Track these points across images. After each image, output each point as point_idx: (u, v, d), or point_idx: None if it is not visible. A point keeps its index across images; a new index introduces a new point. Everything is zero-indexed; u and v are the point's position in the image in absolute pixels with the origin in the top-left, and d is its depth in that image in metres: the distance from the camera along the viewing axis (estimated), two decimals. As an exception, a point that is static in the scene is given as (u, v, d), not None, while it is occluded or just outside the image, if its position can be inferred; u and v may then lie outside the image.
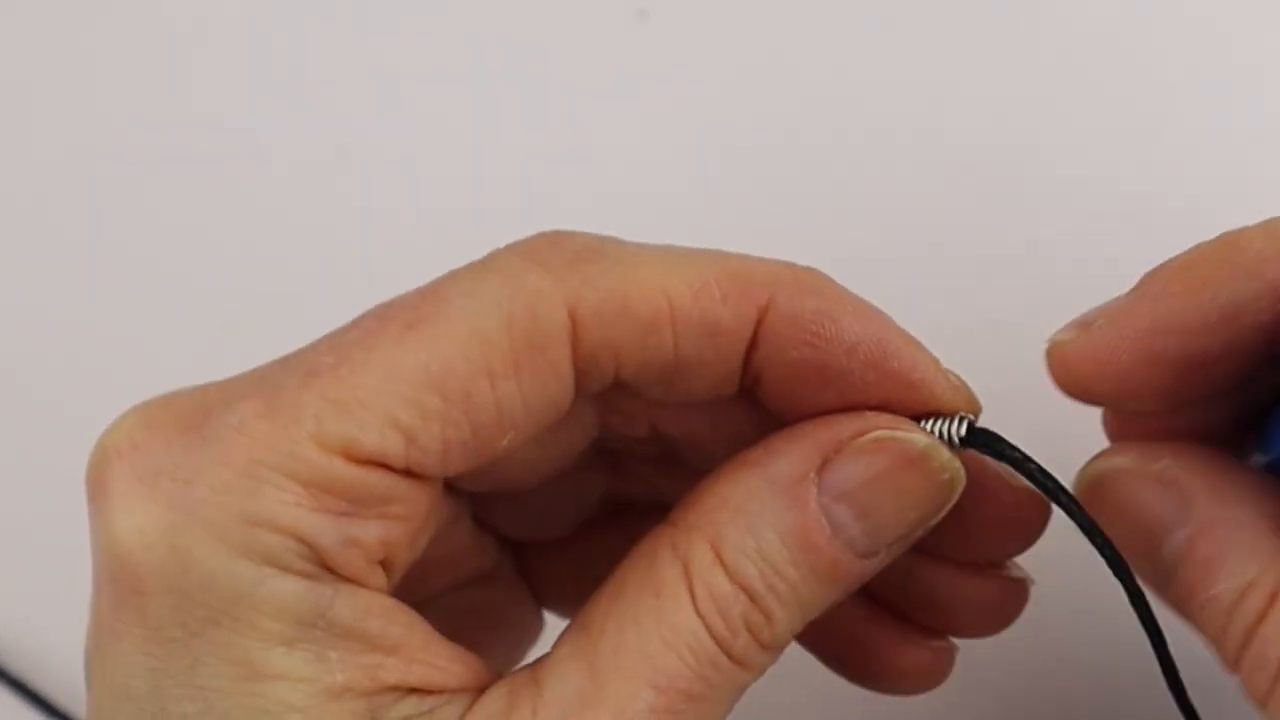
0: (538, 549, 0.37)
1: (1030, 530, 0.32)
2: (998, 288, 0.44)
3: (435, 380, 0.28)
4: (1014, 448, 0.30)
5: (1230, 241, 0.29)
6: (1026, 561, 0.33)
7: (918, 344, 0.30)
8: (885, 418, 0.29)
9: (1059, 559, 0.33)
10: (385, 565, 0.29)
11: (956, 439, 0.29)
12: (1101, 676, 0.42)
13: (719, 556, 0.28)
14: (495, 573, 0.36)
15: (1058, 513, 0.30)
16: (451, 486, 0.33)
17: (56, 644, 0.48)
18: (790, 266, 0.30)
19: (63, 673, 0.48)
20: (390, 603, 0.29)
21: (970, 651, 0.35)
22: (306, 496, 0.28)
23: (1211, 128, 0.44)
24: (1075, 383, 0.30)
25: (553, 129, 0.48)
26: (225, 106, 0.50)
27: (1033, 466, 0.30)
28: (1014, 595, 0.33)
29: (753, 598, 0.28)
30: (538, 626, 0.38)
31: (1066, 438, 0.44)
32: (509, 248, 0.30)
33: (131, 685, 0.28)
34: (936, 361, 0.30)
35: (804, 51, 0.47)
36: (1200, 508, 0.28)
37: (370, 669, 0.28)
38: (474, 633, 0.31)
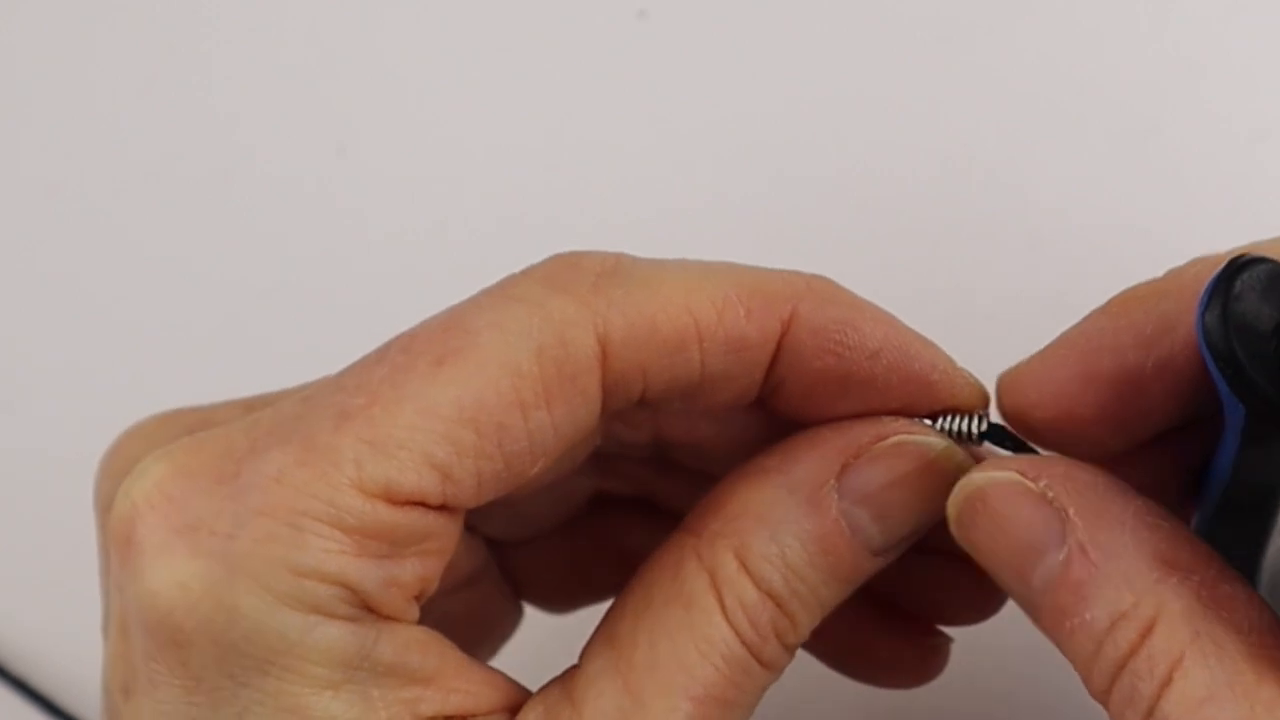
0: (522, 545, 0.37)
1: None
2: (997, 288, 0.44)
3: (469, 416, 0.28)
4: (1024, 442, 0.30)
5: (1171, 271, 0.30)
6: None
7: (932, 344, 0.30)
8: (901, 422, 0.30)
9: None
10: (418, 598, 0.30)
11: (974, 434, 0.30)
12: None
13: (744, 565, 0.29)
14: (482, 574, 0.37)
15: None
16: None
17: (58, 644, 0.48)
18: (805, 277, 0.30)
19: (64, 672, 0.48)
20: (424, 634, 0.29)
21: (969, 656, 0.35)
22: (351, 544, 0.28)
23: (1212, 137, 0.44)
24: (1017, 407, 0.30)
25: (553, 129, 0.48)
26: (225, 104, 0.50)
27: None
28: None
29: (779, 604, 0.29)
30: (517, 618, 0.38)
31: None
32: (528, 273, 0.30)
33: None
34: (951, 360, 0.30)
35: (804, 51, 0.47)
36: (1079, 530, 0.27)
37: (411, 703, 0.29)
38: (463, 633, 0.31)
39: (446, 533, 0.29)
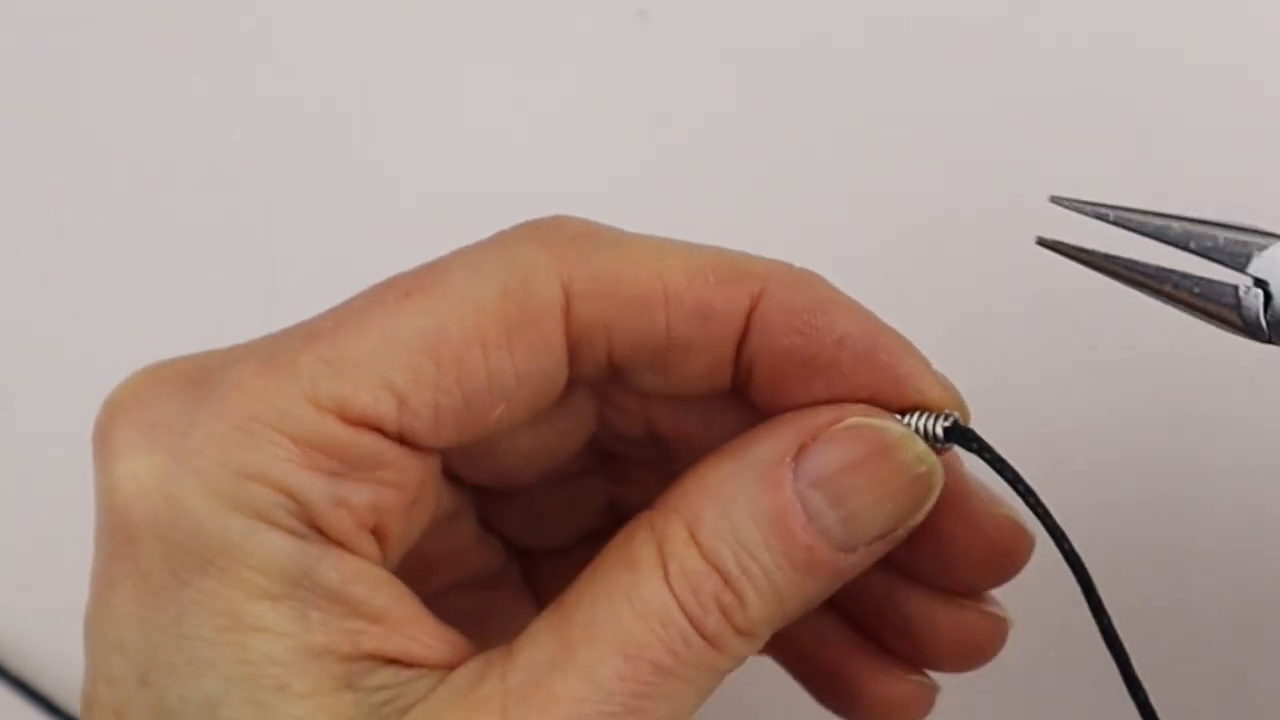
0: (544, 557, 0.37)
1: (1010, 560, 0.32)
2: (996, 287, 0.44)
3: (429, 345, 0.29)
4: (992, 449, 0.30)
5: None
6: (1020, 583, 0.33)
7: (908, 343, 0.30)
8: (863, 408, 0.29)
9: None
10: (379, 536, 0.30)
11: (938, 434, 0.29)
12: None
13: (693, 536, 0.29)
14: (502, 578, 0.37)
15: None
16: (453, 477, 0.34)
17: (58, 643, 0.48)
18: (786, 264, 0.30)
19: (64, 672, 0.48)
20: (379, 573, 0.30)
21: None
22: (298, 453, 0.28)
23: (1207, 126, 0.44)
24: None
25: (553, 128, 0.48)
26: (225, 104, 0.50)
27: (1008, 469, 0.30)
28: (992, 633, 0.33)
29: (725, 578, 0.28)
30: None
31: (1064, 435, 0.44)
32: (515, 227, 0.31)
33: (124, 637, 0.29)
34: (926, 361, 0.30)
35: (803, 51, 0.47)
36: None
37: (351, 634, 0.29)
38: (479, 636, 0.31)
39: (407, 467, 0.30)
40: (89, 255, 0.51)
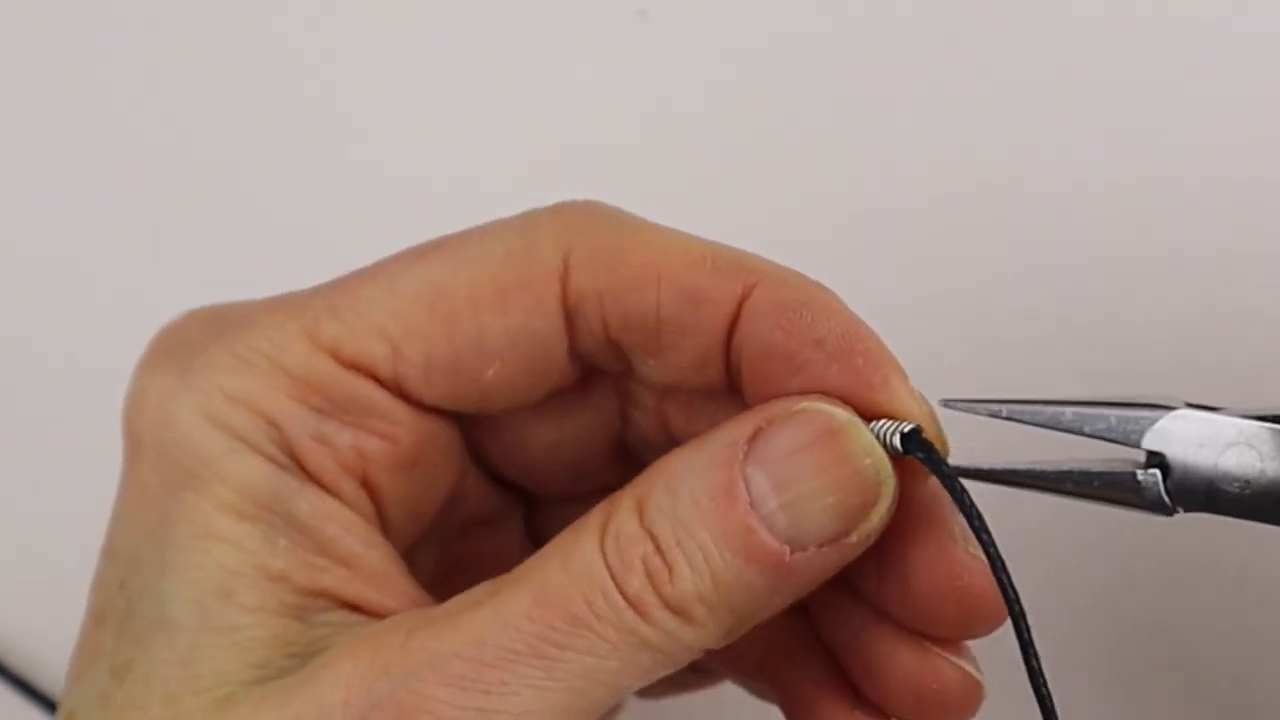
0: None
1: (977, 607, 0.30)
2: (996, 285, 0.44)
3: (427, 299, 0.30)
4: (944, 465, 0.29)
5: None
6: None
7: (888, 353, 0.30)
8: (821, 397, 0.29)
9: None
10: (369, 488, 0.31)
11: (896, 444, 0.29)
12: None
13: (639, 508, 0.29)
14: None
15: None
16: (498, 480, 0.34)
17: (59, 643, 0.48)
18: (785, 267, 0.30)
19: (65, 670, 0.48)
20: (354, 519, 0.31)
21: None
22: (287, 385, 0.30)
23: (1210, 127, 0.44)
24: None
25: (553, 128, 0.48)
26: (225, 103, 0.50)
27: (956, 487, 0.29)
28: (959, 689, 0.32)
29: (658, 546, 0.28)
30: None
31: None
32: (545, 206, 0.32)
33: (116, 544, 0.31)
34: (902, 373, 0.30)
35: (803, 51, 0.47)
36: None
37: (313, 569, 0.30)
38: None
39: (399, 420, 0.31)
40: (87, 256, 0.51)
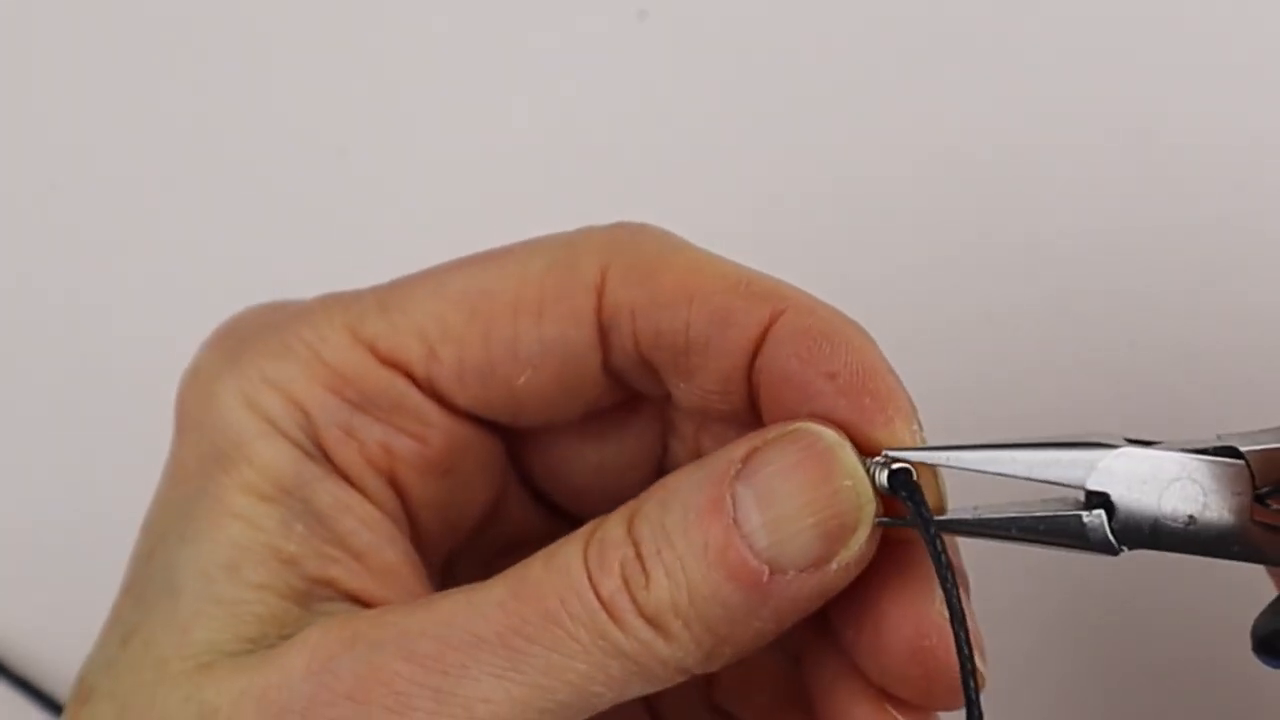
0: None
1: (937, 671, 0.29)
2: (994, 286, 0.44)
3: (467, 302, 0.31)
4: (924, 510, 0.28)
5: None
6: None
7: (901, 396, 0.29)
8: (817, 420, 0.29)
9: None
10: (397, 487, 0.31)
11: (883, 482, 0.29)
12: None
13: (630, 518, 0.29)
14: None
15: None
16: (542, 499, 0.34)
17: (61, 643, 0.48)
18: (820, 300, 0.30)
19: (66, 670, 0.48)
20: (377, 516, 0.31)
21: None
22: (324, 374, 0.31)
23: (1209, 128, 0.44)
24: None
25: (552, 129, 0.48)
26: (225, 105, 0.50)
27: (932, 533, 0.28)
28: None
29: (639, 554, 0.28)
30: None
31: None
32: (599, 225, 0.32)
33: (150, 517, 0.31)
34: (910, 416, 0.29)
35: (803, 51, 0.47)
36: None
37: (323, 557, 0.30)
38: None
39: (431, 421, 0.31)
40: (86, 257, 0.51)
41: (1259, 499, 0.29)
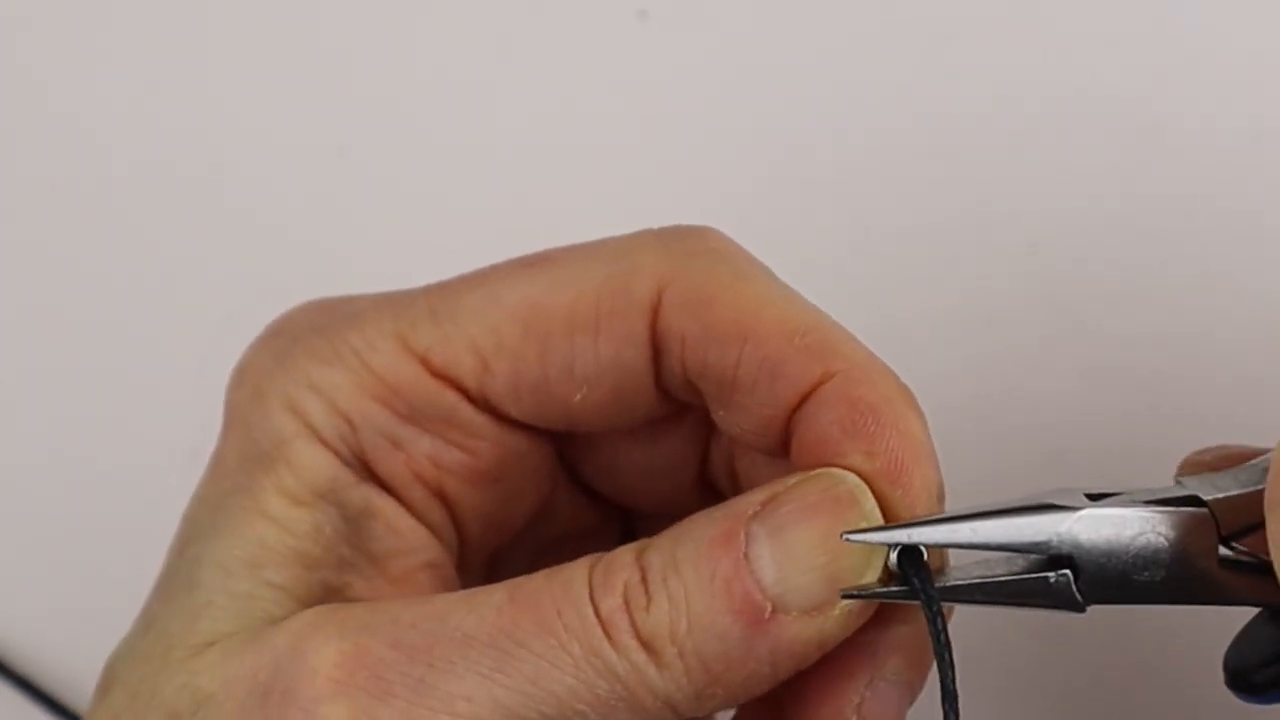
0: None
1: None
2: (994, 286, 0.44)
3: (521, 314, 0.30)
4: (930, 596, 0.28)
5: None
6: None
7: (932, 492, 0.29)
8: (838, 469, 0.29)
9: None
10: (446, 500, 0.31)
11: (892, 562, 0.28)
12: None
13: (642, 549, 0.28)
14: None
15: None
16: (597, 497, 0.34)
17: (61, 643, 0.48)
18: (878, 367, 0.29)
19: (69, 672, 0.48)
20: (411, 526, 0.31)
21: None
22: (372, 384, 0.30)
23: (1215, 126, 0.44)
24: None
25: (552, 129, 0.48)
26: (225, 105, 0.50)
27: (935, 610, 0.28)
28: None
29: (645, 578, 0.28)
30: None
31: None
32: (659, 228, 0.31)
33: (190, 512, 0.31)
34: (937, 501, 0.29)
35: (804, 51, 0.47)
36: None
37: (344, 565, 0.30)
38: None
39: (482, 434, 0.31)
40: (86, 258, 0.51)
41: (1224, 543, 0.28)
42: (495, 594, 0.28)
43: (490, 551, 0.33)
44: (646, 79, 0.48)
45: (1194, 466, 0.30)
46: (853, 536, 0.28)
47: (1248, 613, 0.30)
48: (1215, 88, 0.44)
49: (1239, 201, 0.43)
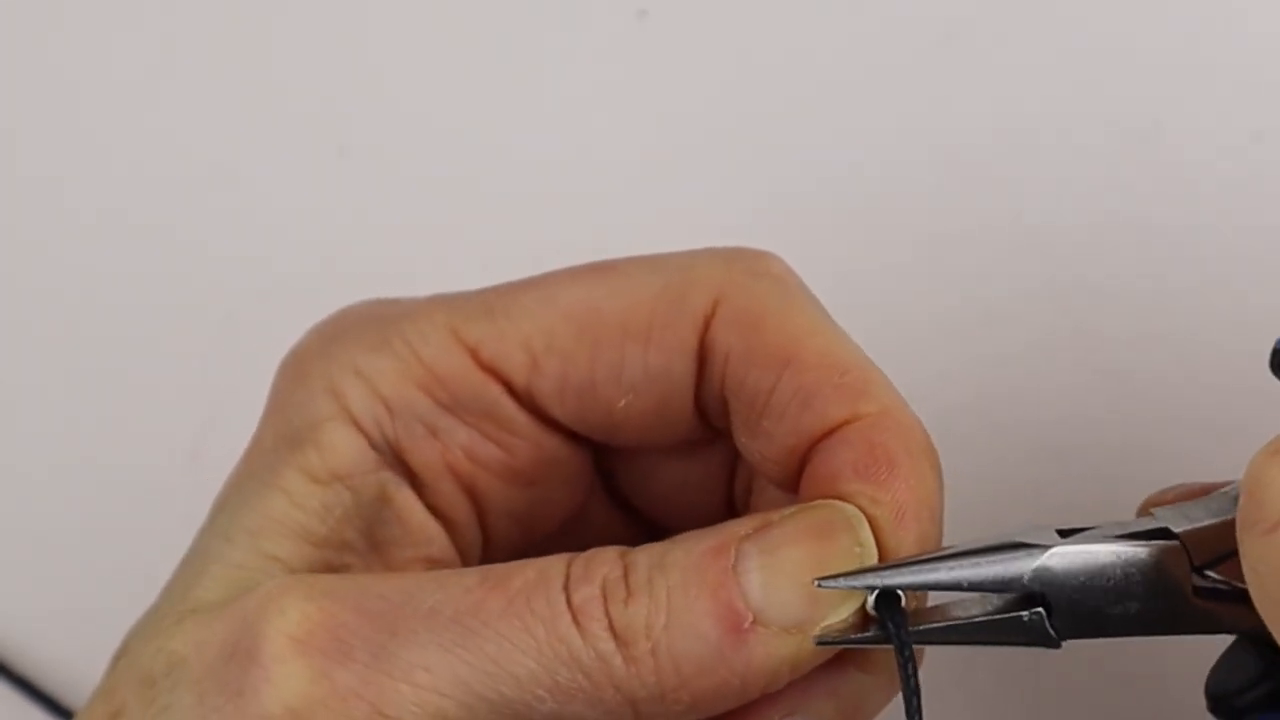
0: None
1: None
2: (995, 286, 0.44)
3: (575, 316, 0.30)
4: (908, 632, 0.28)
5: None
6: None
7: (929, 536, 0.29)
8: (839, 502, 0.29)
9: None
10: (472, 491, 0.31)
11: (871, 599, 0.28)
12: None
13: (629, 550, 0.28)
14: None
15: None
16: (629, 509, 0.34)
17: (62, 643, 0.48)
18: (906, 419, 0.29)
19: (69, 672, 0.48)
20: (424, 519, 0.31)
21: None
22: (419, 373, 0.30)
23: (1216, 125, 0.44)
24: None
25: (552, 129, 0.48)
26: (224, 105, 0.50)
27: (906, 655, 0.28)
28: None
29: (627, 574, 0.28)
30: None
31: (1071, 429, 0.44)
32: (719, 248, 0.31)
33: (223, 492, 0.31)
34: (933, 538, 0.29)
35: (804, 51, 0.47)
36: None
37: (346, 546, 0.30)
38: None
39: (521, 432, 0.31)
40: (85, 259, 0.51)
41: (1197, 572, 0.28)
42: (468, 575, 0.28)
43: (517, 553, 0.33)
44: (646, 79, 0.48)
45: (1156, 506, 0.30)
46: (826, 582, 0.28)
47: (1222, 641, 0.30)
48: (1216, 89, 0.44)
49: (1239, 202, 0.43)
